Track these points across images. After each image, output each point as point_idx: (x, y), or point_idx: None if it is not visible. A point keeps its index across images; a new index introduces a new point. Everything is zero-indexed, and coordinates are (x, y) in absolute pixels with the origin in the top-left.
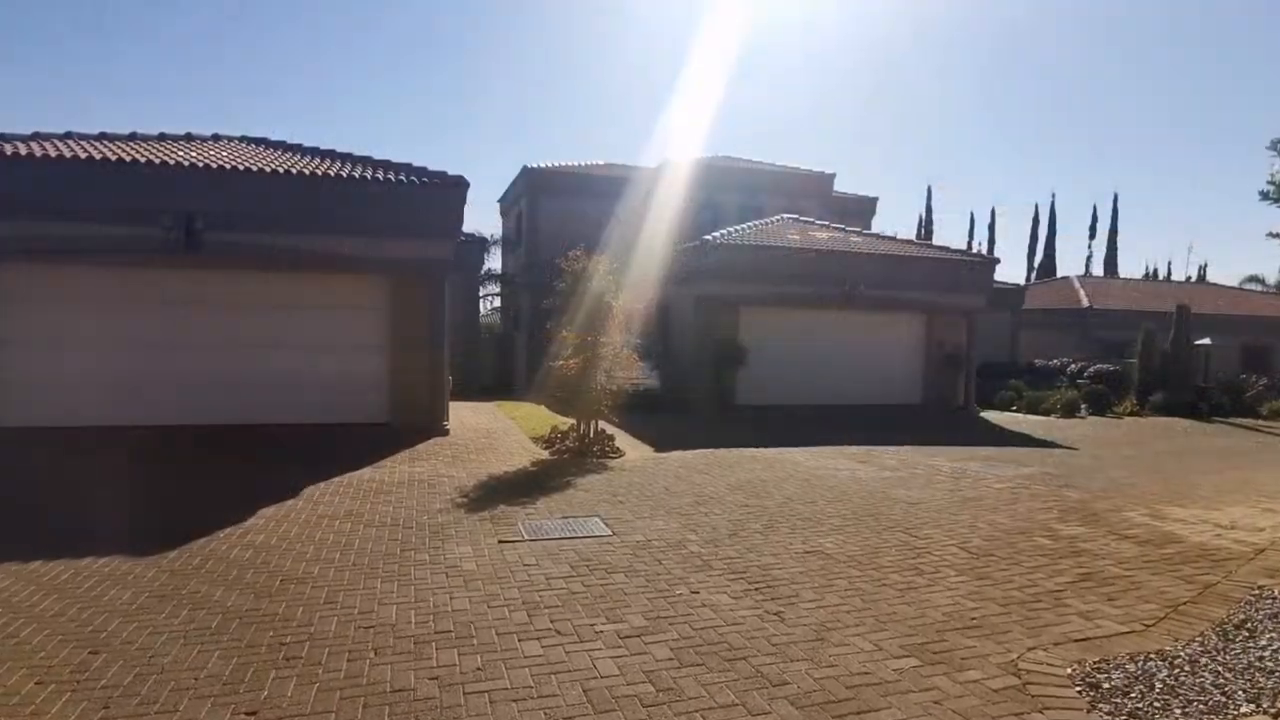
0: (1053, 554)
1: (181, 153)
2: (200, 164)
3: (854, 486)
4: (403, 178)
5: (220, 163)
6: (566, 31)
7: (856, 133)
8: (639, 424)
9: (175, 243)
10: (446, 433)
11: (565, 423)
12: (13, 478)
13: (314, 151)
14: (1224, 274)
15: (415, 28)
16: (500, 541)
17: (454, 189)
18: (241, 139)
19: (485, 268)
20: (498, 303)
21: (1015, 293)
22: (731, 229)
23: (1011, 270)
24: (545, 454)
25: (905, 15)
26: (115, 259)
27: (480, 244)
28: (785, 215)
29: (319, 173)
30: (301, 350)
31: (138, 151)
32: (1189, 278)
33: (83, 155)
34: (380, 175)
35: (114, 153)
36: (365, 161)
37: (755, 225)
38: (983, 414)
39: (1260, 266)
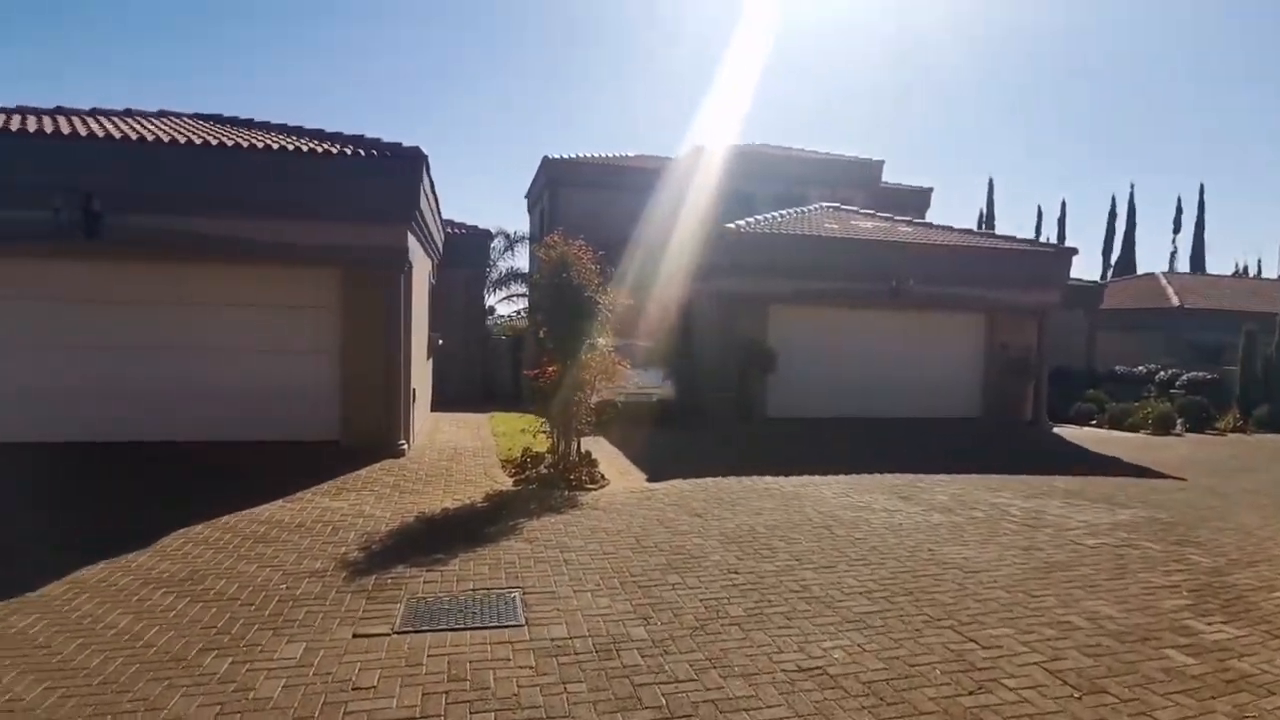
0: (1200, 687)
1: (82, 126)
2: (98, 135)
3: (890, 540)
4: (345, 149)
5: (122, 133)
6: (605, 22)
7: (907, 125)
8: (641, 442)
9: (70, 227)
10: (401, 453)
11: (546, 443)
12: None
13: (263, 126)
14: None
15: (455, 24)
16: (356, 636)
17: (409, 163)
18: (194, 115)
19: (508, 266)
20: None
21: (1092, 290)
22: (758, 217)
23: (1085, 269)
24: (509, 482)
25: None
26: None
27: (484, 237)
28: (824, 204)
29: (242, 143)
30: (238, 355)
31: (25, 123)
32: None
33: None
34: (319, 147)
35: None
36: (310, 134)
37: (788, 214)
38: (1056, 429)
39: None
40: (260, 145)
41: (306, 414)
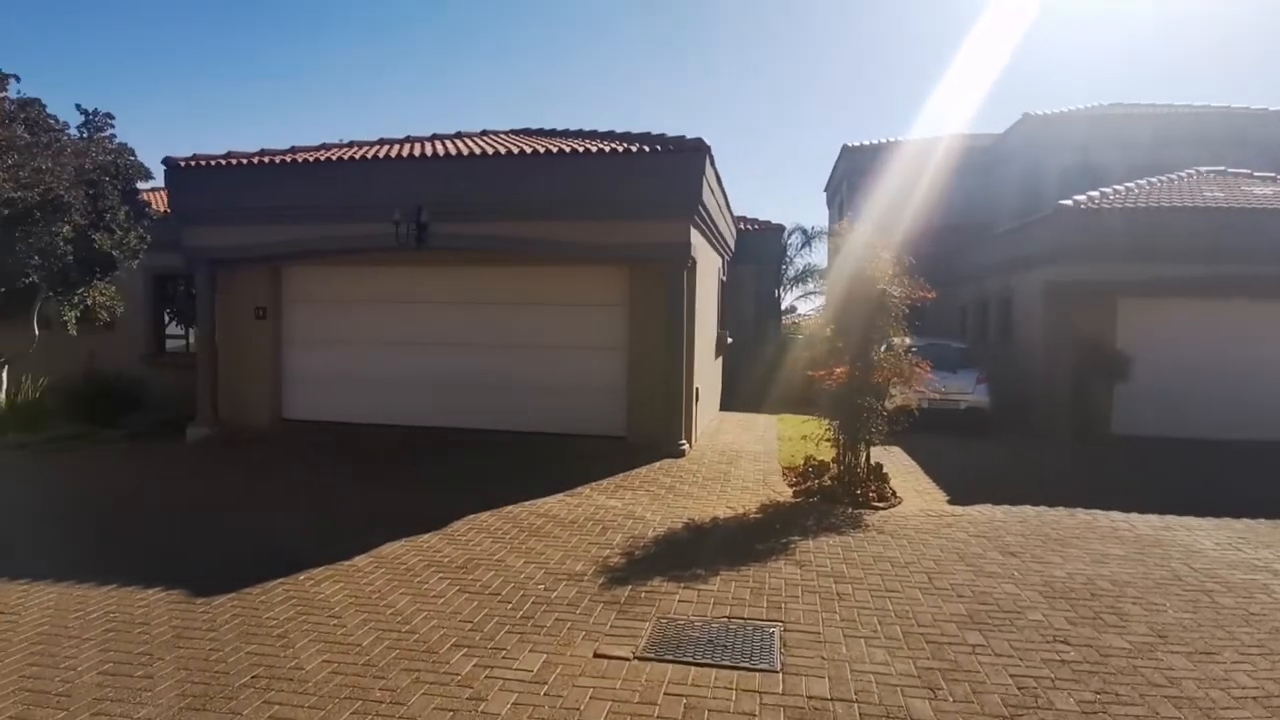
0: None
1: (418, 148)
2: (426, 155)
3: None
4: (630, 147)
5: (445, 152)
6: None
7: None
8: (943, 456)
9: (406, 237)
10: (681, 453)
11: (831, 452)
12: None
13: (562, 133)
14: None
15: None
16: (596, 655)
17: (691, 156)
18: (456, 134)
19: (805, 262)
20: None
21: None
22: (1106, 189)
23: None
24: (788, 493)
25: None
26: (355, 258)
27: (777, 232)
28: (1201, 168)
29: (539, 150)
30: (537, 352)
31: (377, 151)
32: None
33: (334, 159)
34: (605, 147)
35: (351, 153)
36: (601, 136)
37: (1149, 183)
38: None
39: None
40: (555, 151)
41: (597, 410)
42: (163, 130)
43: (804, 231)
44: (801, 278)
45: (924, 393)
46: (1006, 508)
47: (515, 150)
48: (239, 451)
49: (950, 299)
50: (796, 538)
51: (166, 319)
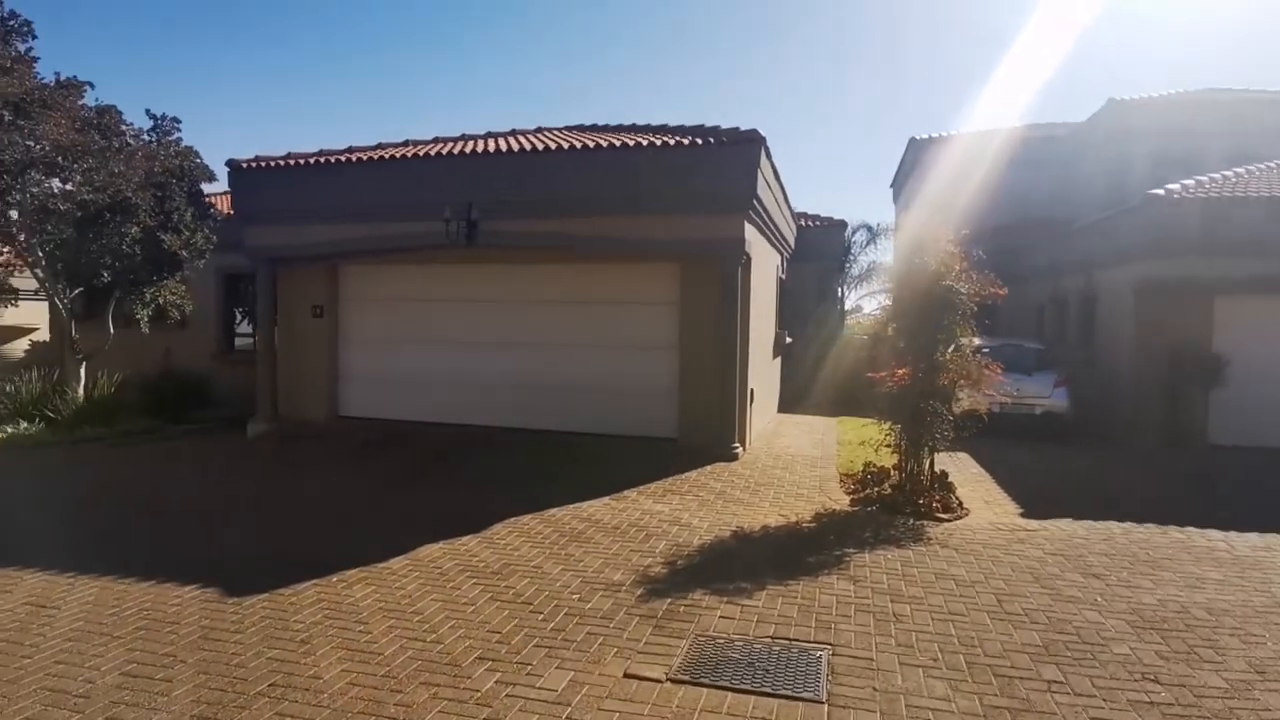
0: None
1: (470, 145)
2: (477, 152)
3: None
4: (681, 140)
5: (496, 148)
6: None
7: None
8: (1016, 465)
9: (456, 235)
10: (734, 457)
11: (892, 458)
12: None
13: (615, 128)
14: None
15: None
16: (627, 675)
17: (746, 147)
18: (510, 132)
19: (870, 260)
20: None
21: None
22: (1202, 178)
23: None
24: (845, 501)
25: None
26: (408, 258)
27: (839, 228)
28: None
29: (589, 144)
30: (587, 351)
31: (430, 149)
32: None
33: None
34: (656, 140)
35: (406, 152)
36: (654, 130)
37: (1251, 170)
38: None
39: None
40: (604, 145)
41: (648, 411)
42: (228, 137)
43: (869, 229)
44: (867, 276)
45: (995, 396)
46: (1088, 523)
47: (566, 145)
48: (293, 448)
49: (1026, 298)
50: (851, 550)
51: (237, 317)
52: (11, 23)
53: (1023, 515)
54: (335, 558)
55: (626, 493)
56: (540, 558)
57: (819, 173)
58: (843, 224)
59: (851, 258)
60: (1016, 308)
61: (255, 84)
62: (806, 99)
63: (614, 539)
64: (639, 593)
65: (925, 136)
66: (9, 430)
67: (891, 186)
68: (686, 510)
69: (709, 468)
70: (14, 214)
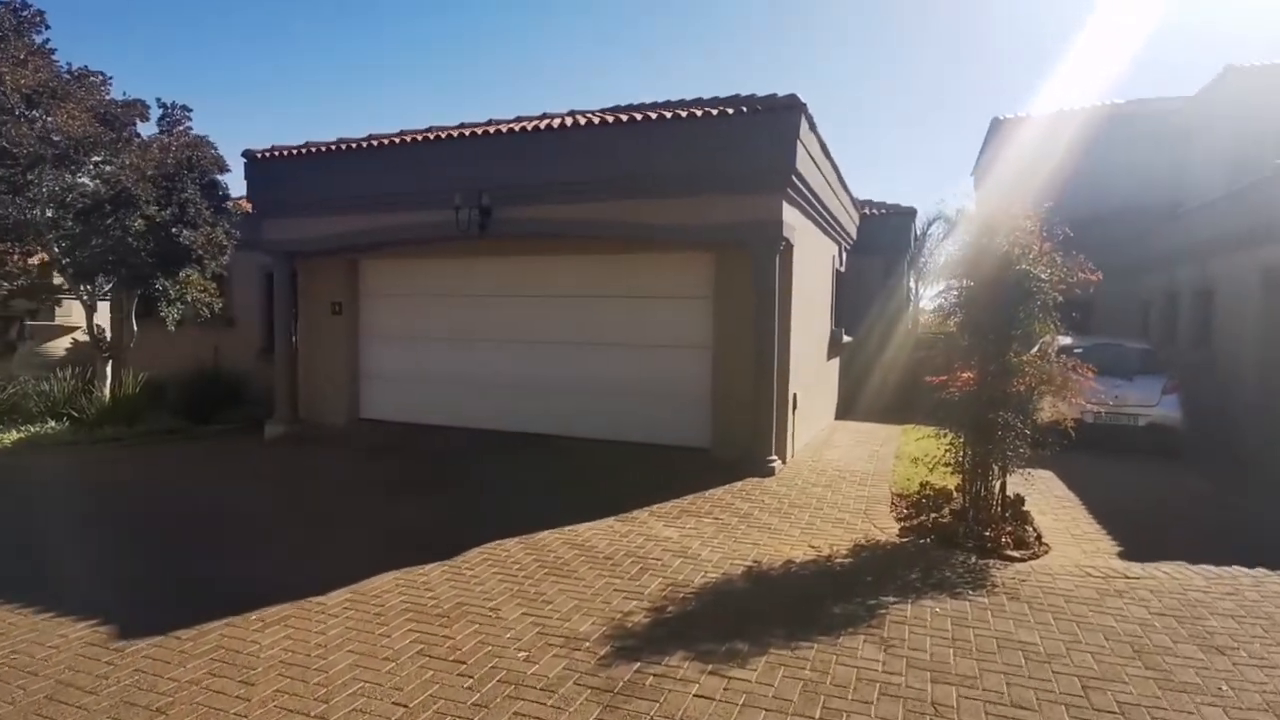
0: None
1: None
2: (488, 133)
3: None
4: (709, 110)
5: (500, 130)
6: None
7: None
8: (1114, 487)
9: (468, 224)
10: (770, 472)
11: (954, 478)
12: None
13: (650, 106)
14: None
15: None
16: None
17: (782, 114)
18: (541, 116)
19: (949, 254)
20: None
21: None
22: None
23: None
24: (894, 529)
25: None
26: (429, 250)
27: (907, 216)
28: None
29: (608, 120)
30: (615, 350)
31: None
32: None
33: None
34: (681, 112)
35: (412, 137)
36: (675, 105)
37: None
38: None
39: None
40: (624, 120)
41: (676, 417)
42: (251, 131)
43: (946, 220)
44: (944, 271)
45: (1087, 405)
46: (1206, 568)
47: (583, 122)
48: (304, 453)
49: (1129, 294)
50: (890, 599)
51: None
52: (24, 13)
53: (1121, 555)
54: (272, 588)
55: (636, 513)
56: (504, 596)
57: (897, 165)
58: (911, 211)
59: (927, 251)
60: (1117, 306)
61: (296, 86)
62: (883, 84)
63: (601, 573)
64: (602, 652)
65: (1008, 116)
66: (32, 429)
67: (972, 174)
68: (699, 537)
69: (739, 484)
70: (36, 211)
